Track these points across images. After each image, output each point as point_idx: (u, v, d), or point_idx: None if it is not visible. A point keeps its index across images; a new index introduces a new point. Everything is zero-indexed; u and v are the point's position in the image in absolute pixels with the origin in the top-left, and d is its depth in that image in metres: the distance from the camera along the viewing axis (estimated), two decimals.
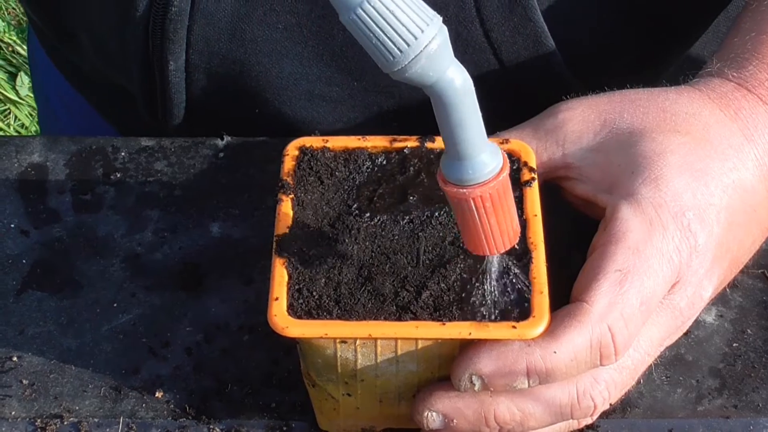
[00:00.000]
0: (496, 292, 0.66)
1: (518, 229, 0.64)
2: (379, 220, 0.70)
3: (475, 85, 0.88)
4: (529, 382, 0.66)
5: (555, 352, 0.65)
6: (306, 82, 0.87)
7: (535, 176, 0.71)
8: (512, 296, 0.66)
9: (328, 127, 0.89)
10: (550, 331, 0.65)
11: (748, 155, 0.72)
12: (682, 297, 0.69)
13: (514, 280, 0.66)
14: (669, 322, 0.70)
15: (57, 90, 1.11)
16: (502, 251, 0.64)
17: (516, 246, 0.65)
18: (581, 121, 0.74)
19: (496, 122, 0.75)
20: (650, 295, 0.67)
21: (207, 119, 0.91)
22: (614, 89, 0.76)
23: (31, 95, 2.30)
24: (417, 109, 0.88)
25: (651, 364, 0.72)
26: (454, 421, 0.68)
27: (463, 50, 0.84)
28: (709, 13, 0.93)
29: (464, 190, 0.61)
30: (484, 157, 0.60)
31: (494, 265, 0.66)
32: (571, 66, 0.86)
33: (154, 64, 0.87)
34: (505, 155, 0.62)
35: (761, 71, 0.75)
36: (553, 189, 0.75)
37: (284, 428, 0.74)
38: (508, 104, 0.82)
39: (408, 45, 0.55)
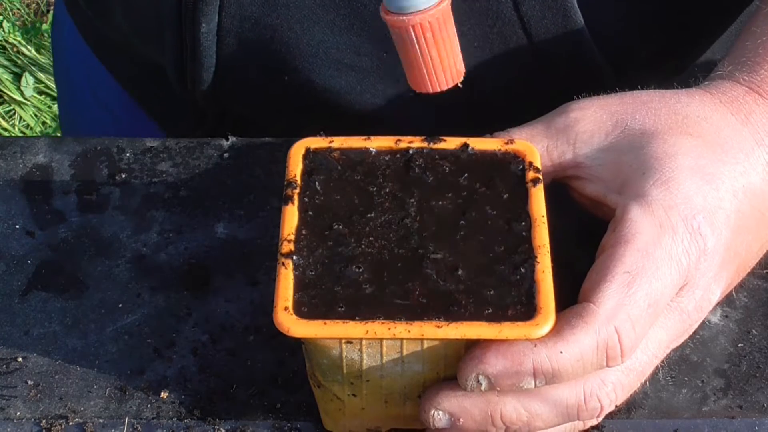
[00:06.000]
0: None
1: (462, 68, 0.63)
2: (384, 219, 0.70)
3: (504, 63, 0.88)
4: (535, 382, 0.66)
5: (561, 353, 0.65)
6: (336, 51, 0.86)
7: (541, 177, 0.71)
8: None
9: (356, 97, 0.88)
10: (557, 332, 0.65)
11: (758, 159, 0.72)
12: (690, 300, 0.69)
13: None
14: (676, 325, 0.70)
15: (83, 66, 1.10)
16: (445, 88, 0.63)
17: (459, 85, 0.64)
18: (593, 120, 0.73)
19: (526, 106, 0.75)
20: (658, 297, 0.67)
21: (235, 87, 0.90)
22: (638, 79, 0.76)
23: (36, 96, 2.30)
24: None
25: (657, 366, 0.72)
26: (461, 420, 0.68)
27: (492, 23, 0.84)
28: (735, 7, 0.92)
29: (404, 18, 0.60)
30: None
31: None
32: (599, 50, 0.86)
33: (185, 26, 0.87)
34: None
35: None
36: (559, 189, 0.75)
37: (290, 429, 0.74)
38: (537, 83, 0.80)
39: None
